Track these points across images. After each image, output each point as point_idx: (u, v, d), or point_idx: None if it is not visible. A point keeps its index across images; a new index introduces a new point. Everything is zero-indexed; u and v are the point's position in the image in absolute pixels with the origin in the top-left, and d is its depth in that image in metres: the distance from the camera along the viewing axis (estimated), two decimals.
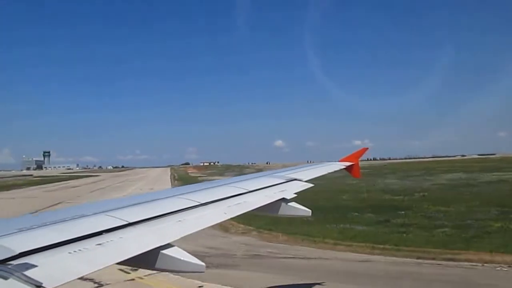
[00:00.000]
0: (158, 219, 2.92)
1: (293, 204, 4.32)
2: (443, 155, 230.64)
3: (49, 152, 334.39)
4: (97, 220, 2.67)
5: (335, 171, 7.50)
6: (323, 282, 11.24)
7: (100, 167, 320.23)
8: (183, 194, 3.64)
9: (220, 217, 3.26)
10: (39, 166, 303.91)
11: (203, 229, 2.98)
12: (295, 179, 5.32)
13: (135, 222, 2.75)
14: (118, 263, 2.38)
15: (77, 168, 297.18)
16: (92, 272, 2.19)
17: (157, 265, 2.59)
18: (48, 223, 2.49)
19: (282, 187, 4.78)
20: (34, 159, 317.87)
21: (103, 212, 2.83)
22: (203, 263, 2.68)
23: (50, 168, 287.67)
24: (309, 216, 4.37)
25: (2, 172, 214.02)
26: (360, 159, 8.03)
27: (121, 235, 2.56)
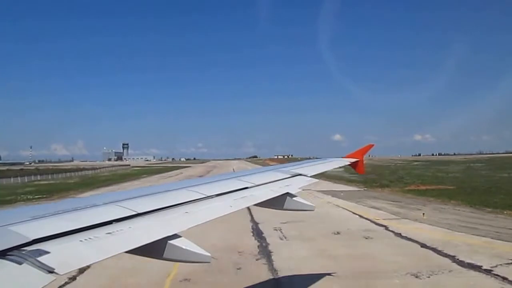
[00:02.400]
0: (166, 210, 2.98)
1: (298, 198, 4.37)
2: None
3: (127, 144, 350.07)
4: (108, 210, 2.74)
5: (340, 167, 7.57)
6: (334, 273, 11.27)
7: (173, 159, 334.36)
8: (190, 186, 3.70)
9: (226, 209, 3.32)
10: (119, 158, 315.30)
11: (211, 220, 3.05)
12: (300, 174, 5.37)
13: (144, 212, 2.81)
14: (126, 252, 2.44)
15: (154, 160, 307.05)
16: (102, 260, 2.24)
17: (165, 255, 2.66)
18: (60, 212, 2.55)
19: (287, 182, 4.83)
20: (113, 150, 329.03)
21: (113, 202, 2.89)
22: (209, 254, 2.75)
23: (129, 159, 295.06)
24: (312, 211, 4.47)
25: (88, 162, 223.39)
26: (365, 155, 8.11)
27: (130, 225, 2.62)
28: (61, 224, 2.36)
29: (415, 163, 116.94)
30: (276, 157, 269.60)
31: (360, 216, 21.18)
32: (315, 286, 10.11)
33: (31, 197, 34.57)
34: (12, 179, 62.62)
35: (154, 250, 2.62)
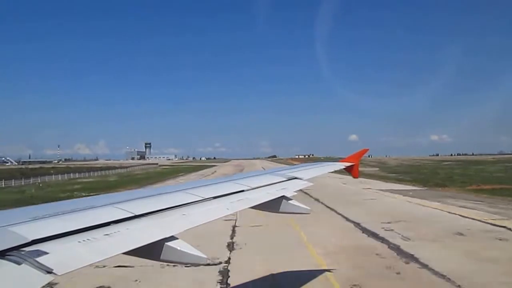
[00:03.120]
0: (163, 212, 3.02)
1: (293, 202, 4.39)
2: None
3: (150, 144, 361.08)
4: (106, 212, 2.78)
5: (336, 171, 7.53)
6: (333, 269, 11.15)
7: (193, 158, 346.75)
8: (187, 189, 3.74)
9: (223, 212, 3.34)
10: (142, 157, 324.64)
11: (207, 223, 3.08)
12: (296, 178, 5.40)
13: (142, 214, 2.85)
14: (124, 253, 2.48)
15: (176, 159, 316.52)
16: (99, 261, 2.28)
17: (162, 257, 2.69)
18: (59, 213, 2.61)
19: (283, 185, 4.86)
20: (136, 150, 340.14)
21: (111, 204, 2.94)
22: (205, 256, 2.78)
23: (152, 158, 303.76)
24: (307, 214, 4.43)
25: (113, 161, 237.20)
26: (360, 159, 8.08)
27: (128, 227, 2.66)
28: (60, 225, 2.41)
29: (445, 163, 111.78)
30: (297, 156, 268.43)
31: (462, 216, 20.09)
32: None
33: (85, 194, 35.65)
34: (53, 176, 64.33)
35: (152, 251, 2.66)
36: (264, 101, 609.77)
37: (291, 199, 4.37)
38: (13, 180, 56.00)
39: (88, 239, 2.39)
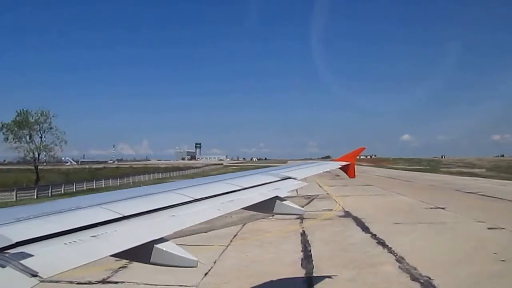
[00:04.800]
0: (153, 214, 2.94)
1: (287, 202, 4.33)
2: None
3: (200, 144, 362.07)
4: (93, 213, 2.70)
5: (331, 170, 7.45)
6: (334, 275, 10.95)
7: (244, 158, 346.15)
8: (177, 189, 3.66)
9: (214, 213, 3.29)
10: (193, 157, 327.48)
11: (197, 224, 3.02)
12: (289, 178, 5.34)
13: (130, 215, 2.78)
14: (112, 256, 2.41)
15: (228, 160, 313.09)
16: (86, 263, 2.21)
17: (152, 259, 2.62)
18: (45, 214, 2.53)
19: (276, 185, 4.80)
20: (186, 150, 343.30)
21: (99, 204, 2.85)
22: (195, 259, 2.71)
23: (203, 159, 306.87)
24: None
25: (164, 161, 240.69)
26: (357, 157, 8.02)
27: (116, 228, 2.59)
28: (46, 226, 2.33)
29: None
30: (358, 157, 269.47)
31: None
32: None
33: None
34: (141, 177, 64.31)
35: (140, 254, 2.59)
36: (310, 98, 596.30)
37: (285, 200, 4.31)
38: (110, 180, 56.71)
39: (74, 241, 2.32)
